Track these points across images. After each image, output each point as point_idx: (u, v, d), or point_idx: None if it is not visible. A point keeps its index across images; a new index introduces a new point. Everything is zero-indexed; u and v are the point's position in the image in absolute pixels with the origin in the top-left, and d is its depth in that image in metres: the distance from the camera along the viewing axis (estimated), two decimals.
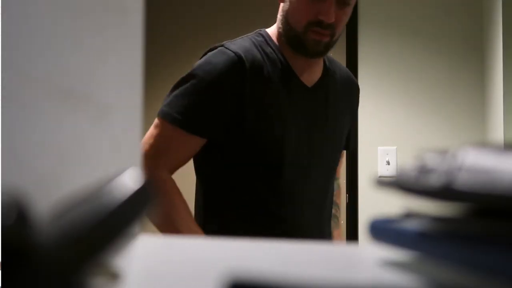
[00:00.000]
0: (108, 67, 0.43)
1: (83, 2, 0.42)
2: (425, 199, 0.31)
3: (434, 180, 0.30)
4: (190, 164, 1.36)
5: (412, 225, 0.35)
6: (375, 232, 0.39)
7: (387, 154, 2.50)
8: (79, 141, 0.41)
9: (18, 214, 0.20)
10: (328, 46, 1.30)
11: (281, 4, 1.32)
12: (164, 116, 1.26)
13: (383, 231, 0.38)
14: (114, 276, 0.30)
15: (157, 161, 1.26)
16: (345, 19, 1.30)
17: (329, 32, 1.27)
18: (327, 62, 1.42)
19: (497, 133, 2.25)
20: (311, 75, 1.36)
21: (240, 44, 1.31)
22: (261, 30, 1.38)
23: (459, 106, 2.48)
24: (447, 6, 2.52)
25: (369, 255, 0.43)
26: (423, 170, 0.32)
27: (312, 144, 1.34)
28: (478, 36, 2.49)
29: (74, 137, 0.41)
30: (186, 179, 2.75)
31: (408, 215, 0.36)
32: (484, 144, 0.30)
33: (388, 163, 2.49)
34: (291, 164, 1.29)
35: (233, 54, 1.26)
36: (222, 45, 1.31)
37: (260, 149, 1.28)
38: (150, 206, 0.23)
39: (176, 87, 1.28)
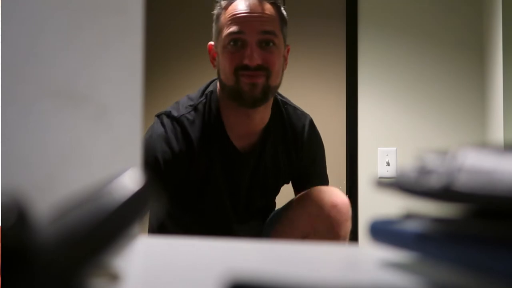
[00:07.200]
0: (108, 67, 0.43)
1: (83, 2, 0.42)
2: (425, 200, 0.31)
3: (434, 181, 0.30)
4: None
5: (412, 226, 0.35)
6: (375, 233, 0.39)
7: (387, 155, 2.49)
8: (79, 141, 0.41)
9: (18, 215, 0.20)
10: (267, 91, 1.26)
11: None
12: None
13: (383, 232, 0.38)
14: (114, 276, 0.30)
15: None
16: (276, 59, 1.26)
17: (262, 73, 1.24)
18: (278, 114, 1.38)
19: (497, 133, 2.25)
20: (250, 135, 1.34)
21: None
22: (212, 87, 1.35)
23: (459, 106, 2.48)
24: (447, 6, 2.52)
25: (369, 256, 0.43)
26: (423, 171, 0.32)
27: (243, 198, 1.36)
28: (478, 36, 2.49)
29: (74, 137, 0.41)
30: None
31: (408, 216, 0.36)
32: (484, 145, 0.30)
33: (388, 164, 2.49)
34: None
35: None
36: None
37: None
38: (149, 207, 0.23)
39: None
